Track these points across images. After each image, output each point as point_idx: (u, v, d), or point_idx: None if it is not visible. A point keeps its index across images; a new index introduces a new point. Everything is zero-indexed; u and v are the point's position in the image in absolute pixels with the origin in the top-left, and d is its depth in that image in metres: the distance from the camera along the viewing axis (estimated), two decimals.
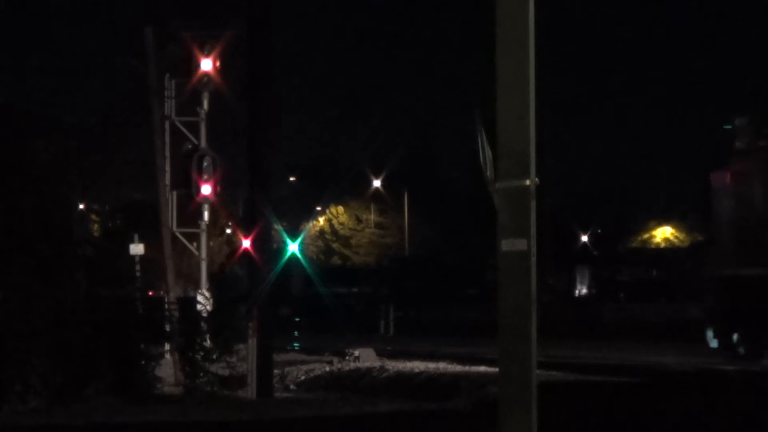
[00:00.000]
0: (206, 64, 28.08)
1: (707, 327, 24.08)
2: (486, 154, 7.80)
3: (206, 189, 28.28)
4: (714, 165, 24.58)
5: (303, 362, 29.96)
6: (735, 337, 23.33)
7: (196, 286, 27.57)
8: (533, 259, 7.58)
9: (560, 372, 22.24)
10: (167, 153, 28.40)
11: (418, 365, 27.49)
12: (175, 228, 28.71)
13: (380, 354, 31.07)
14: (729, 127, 24.22)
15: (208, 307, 22.83)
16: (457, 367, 26.67)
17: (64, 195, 20.80)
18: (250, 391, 21.23)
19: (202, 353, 21.04)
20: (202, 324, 21.69)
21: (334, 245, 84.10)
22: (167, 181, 28.21)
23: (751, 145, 23.66)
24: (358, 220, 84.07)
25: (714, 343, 23.96)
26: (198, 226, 29.70)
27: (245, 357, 21.71)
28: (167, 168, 28.28)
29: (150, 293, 29.28)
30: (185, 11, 28.30)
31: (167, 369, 22.70)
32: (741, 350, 23.34)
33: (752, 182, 23.52)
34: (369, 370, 26.50)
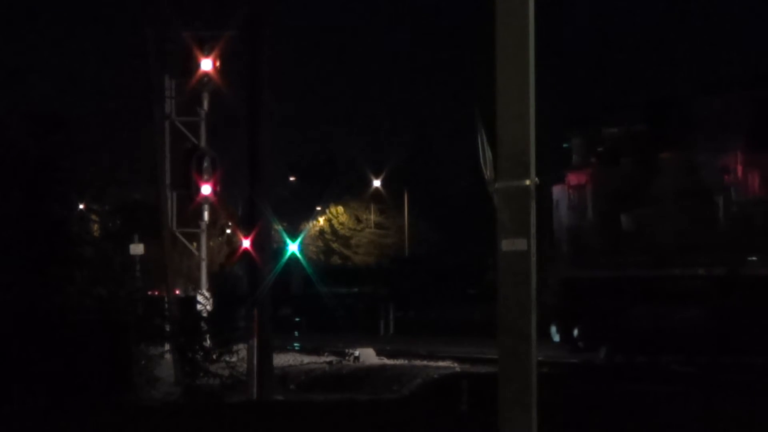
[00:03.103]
0: (206, 64, 28.11)
1: (551, 323, 26.40)
2: (486, 154, 7.81)
3: (206, 189, 28.31)
4: (555, 179, 27.33)
5: (303, 362, 29.98)
6: (575, 332, 25.69)
7: (196, 286, 27.57)
8: (533, 259, 7.58)
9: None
10: (167, 153, 28.42)
11: (418, 365, 27.52)
12: (175, 228, 28.73)
13: (380, 354, 31.09)
14: (567, 145, 26.86)
15: (208, 307, 22.82)
16: (458, 367, 26.71)
17: (62, 194, 20.79)
18: (250, 391, 21.23)
19: (202, 353, 21.03)
20: (202, 324, 21.68)
21: (334, 245, 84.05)
22: (167, 181, 28.22)
23: (585, 160, 26.10)
24: (358, 220, 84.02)
25: (557, 338, 26.41)
26: (198, 226, 29.73)
27: (245, 357, 21.71)
28: (167, 168, 28.29)
29: (152, 293, 29.30)
30: (185, 11, 28.32)
31: (167, 369, 22.69)
32: (580, 344, 25.73)
33: (585, 194, 25.88)
34: (369, 370, 26.54)
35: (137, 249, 31.77)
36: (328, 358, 30.72)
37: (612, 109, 26.86)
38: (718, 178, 22.57)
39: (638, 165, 24.13)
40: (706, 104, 22.98)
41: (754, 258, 21.80)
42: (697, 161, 22.95)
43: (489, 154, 7.70)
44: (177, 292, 39.64)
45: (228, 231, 61.95)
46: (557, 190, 26.66)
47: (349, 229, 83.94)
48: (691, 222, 22.97)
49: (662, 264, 23.28)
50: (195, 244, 31.35)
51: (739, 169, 22.29)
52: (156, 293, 29.98)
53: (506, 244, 7.60)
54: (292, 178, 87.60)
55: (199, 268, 30.27)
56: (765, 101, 22.09)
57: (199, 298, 25.70)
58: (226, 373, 21.06)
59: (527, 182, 7.58)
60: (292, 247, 49.51)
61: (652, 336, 23.40)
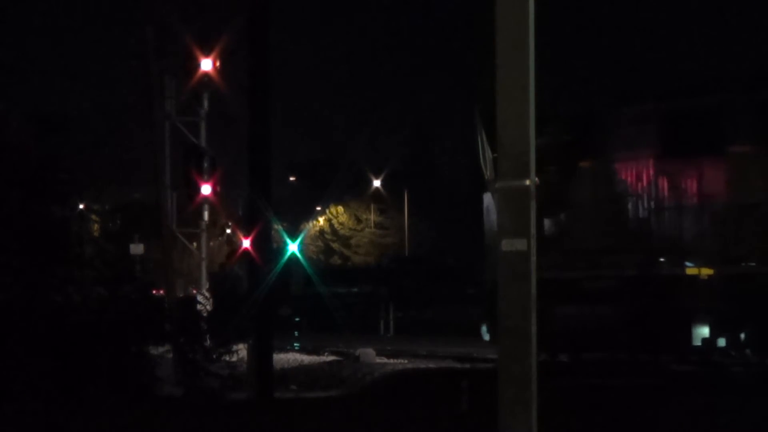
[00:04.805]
0: (206, 64, 28.12)
1: (482, 323, 28.00)
2: (486, 154, 7.83)
3: (206, 189, 28.32)
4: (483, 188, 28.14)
5: (303, 362, 29.98)
6: None
7: (196, 286, 27.56)
8: (533, 259, 7.59)
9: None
10: (167, 153, 28.44)
11: (417, 365, 27.53)
12: (175, 228, 28.73)
13: (380, 354, 31.08)
14: (495, 155, 27.42)
15: (208, 307, 22.81)
16: (457, 367, 26.72)
17: (62, 194, 20.79)
18: (250, 391, 21.24)
19: (202, 353, 21.04)
20: (202, 324, 21.68)
21: (334, 245, 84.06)
22: (167, 181, 28.23)
23: None
24: (358, 220, 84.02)
25: (487, 337, 27.89)
26: (198, 226, 29.74)
27: (245, 357, 21.70)
28: (167, 168, 28.30)
29: (153, 292, 29.31)
30: (185, 11, 28.34)
31: (167, 369, 22.70)
32: None
33: None
34: (369, 370, 26.53)
35: (137, 249, 31.82)
36: (328, 358, 30.71)
37: (538, 120, 27.54)
38: (633, 185, 24.00)
39: (561, 173, 25.26)
40: (621, 115, 24.30)
41: (662, 259, 23.31)
42: (614, 169, 24.37)
43: (489, 154, 7.72)
44: (177, 291, 39.64)
45: (228, 231, 61.96)
46: (487, 197, 27.51)
47: (349, 229, 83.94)
48: (608, 226, 24.44)
49: (583, 266, 24.62)
50: (195, 244, 31.37)
51: (652, 176, 23.80)
52: (156, 293, 29.99)
53: (506, 244, 7.61)
54: (292, 178, 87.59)
55: (199, 268, 30.26)
56: (673, 113, 23.39)
57: (199, 298, 25.70)
58: (226, 373, 21.06)
59: (527, 182, 7.59)
60: (292, 247, 49.45)
61: (574, 334, 24.62)
